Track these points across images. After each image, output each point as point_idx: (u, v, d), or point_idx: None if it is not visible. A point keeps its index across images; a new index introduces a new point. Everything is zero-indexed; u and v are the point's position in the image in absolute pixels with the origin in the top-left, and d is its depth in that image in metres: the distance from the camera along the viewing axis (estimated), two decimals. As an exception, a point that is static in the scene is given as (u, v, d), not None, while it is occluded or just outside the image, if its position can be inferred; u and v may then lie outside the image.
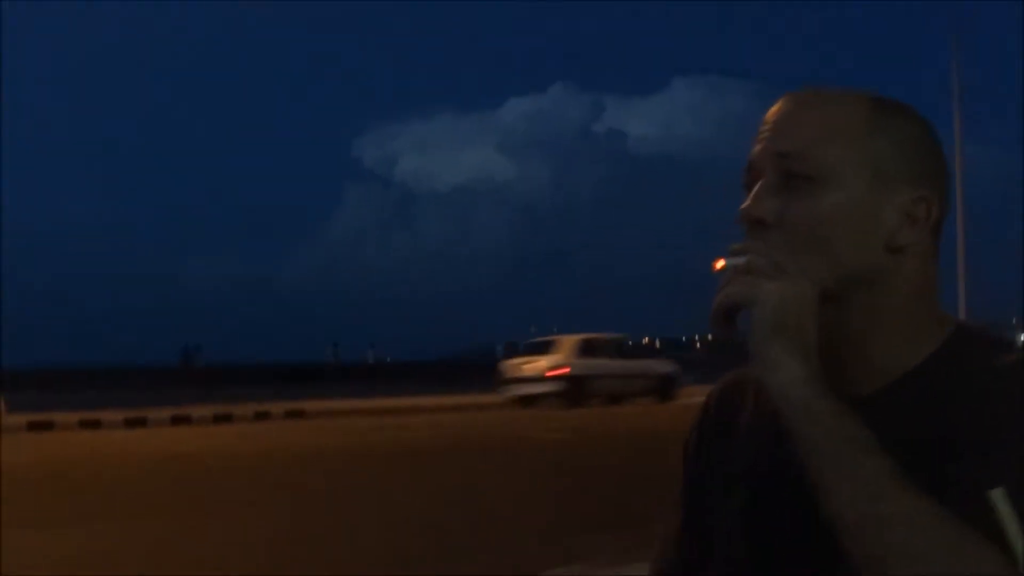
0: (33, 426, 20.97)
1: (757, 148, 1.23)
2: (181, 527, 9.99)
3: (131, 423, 22.25)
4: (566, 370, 27.90)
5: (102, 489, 12.59)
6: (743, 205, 1.21)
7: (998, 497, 1.04)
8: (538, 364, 28.55)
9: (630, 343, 33.18)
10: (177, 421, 22.83)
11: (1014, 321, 62.01)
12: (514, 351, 33.18)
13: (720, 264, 1.17)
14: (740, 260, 1.15)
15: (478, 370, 49.78)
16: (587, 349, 28.87)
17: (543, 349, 29.49)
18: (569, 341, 29.31)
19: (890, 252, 1.19)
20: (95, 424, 21.76)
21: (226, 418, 23.56)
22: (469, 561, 8.27)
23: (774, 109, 1.24)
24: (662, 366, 30.98)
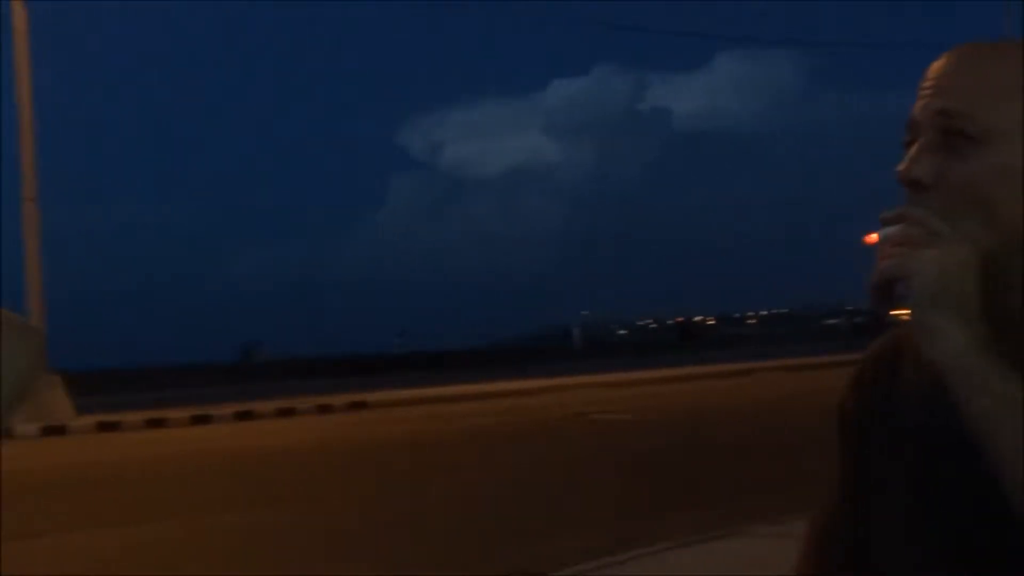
0: (102, 427, 21.26)
1: (918, 105, 1.18)
2: (253, 520, 10.11)
3: (196, 420, 22.49)
4: None
5: (175, 485, 12.76)
6: (900, 165, 1.17)
7: None
8: None
9: None
10: (241, 417, 23.03)
11: None
12: None
13: (873, 237, 1.15)
14: (894, 230, 1.13)
15: (544, 353, 49.75)
16: None
17: None
18: None
19: None
20: (161, 423, 22.00)
21: (289, 412, 23.73)
22: (545, 539, 8.30)
23: (937, 64, 1.19)
24: None
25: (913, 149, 1.17)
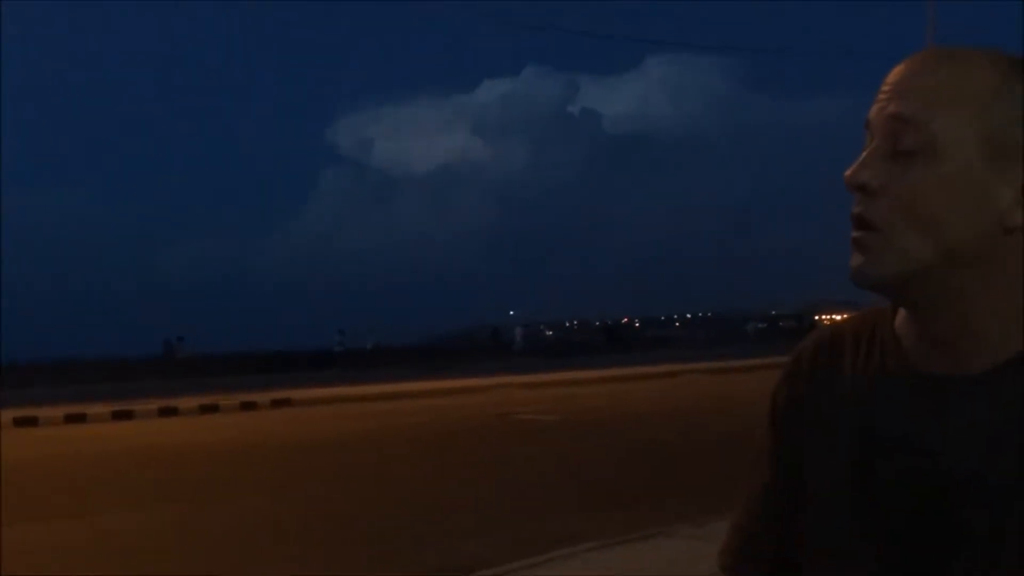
0: (19, 422, 20.83)
1: (874, 108, 1.15)
2: (169, 518, 9.99)
3: (118, 416, 22.13)
4: None
5: (95, 482, 12.56)
6: (847, 170, 1.14)
7: None
8: None
9: None
10: (164, 413, 22.71)
11: None
12: None
13: None
14: None
15: (489, 353, 49.75)
16: None
17: None
18: None
19: (1004, 232, 1.10)
20: (81, 418, 21.62)
21: (212, 408, 23.46)
22: (467, 537, 8.30)
23: (898, 68, 1.15)
24: None
25: (863, 154, 1.14)
